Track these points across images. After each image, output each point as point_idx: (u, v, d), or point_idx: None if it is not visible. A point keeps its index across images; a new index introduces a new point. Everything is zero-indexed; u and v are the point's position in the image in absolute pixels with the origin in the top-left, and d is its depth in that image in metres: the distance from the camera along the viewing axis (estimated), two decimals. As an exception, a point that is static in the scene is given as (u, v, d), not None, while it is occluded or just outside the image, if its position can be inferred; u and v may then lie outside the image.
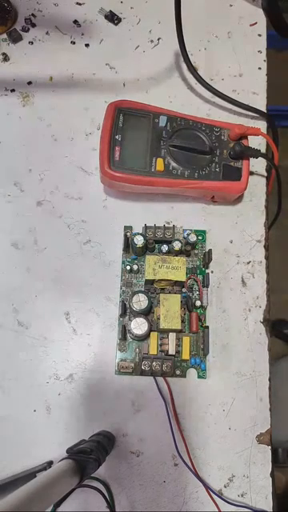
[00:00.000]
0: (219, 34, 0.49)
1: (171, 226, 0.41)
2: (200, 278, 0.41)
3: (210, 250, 0.40)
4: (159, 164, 0.40)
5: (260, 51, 0.49)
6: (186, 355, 0.39)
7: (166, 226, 0.41)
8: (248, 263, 0.42)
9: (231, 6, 0.50)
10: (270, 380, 0.39)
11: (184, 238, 0.41)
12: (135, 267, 0.40)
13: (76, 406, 0.38)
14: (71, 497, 0.36)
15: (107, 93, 0.46)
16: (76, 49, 0.48)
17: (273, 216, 0.48)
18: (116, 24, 0.49)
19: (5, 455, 0.37)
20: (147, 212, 0.43)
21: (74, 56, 0.47)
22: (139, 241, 0.39)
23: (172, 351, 0.38)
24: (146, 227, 0.41)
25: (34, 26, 0.48)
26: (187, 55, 0.44)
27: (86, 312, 0.40)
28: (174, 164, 0.40)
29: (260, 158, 0.42)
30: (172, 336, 0.38)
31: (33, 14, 0.48)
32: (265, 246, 0.43)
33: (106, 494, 0.36)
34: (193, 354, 0.39)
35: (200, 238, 0.42)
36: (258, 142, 0.44)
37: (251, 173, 0.44)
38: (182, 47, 0.43)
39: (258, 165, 0.45)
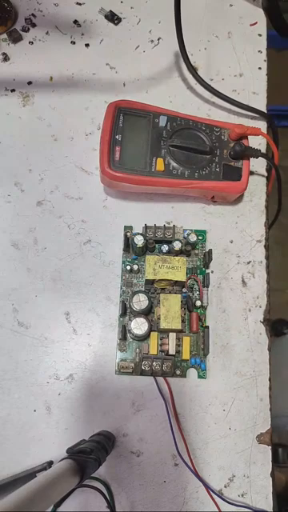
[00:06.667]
0: (219, 34, 0.49)
1: (171, 225, 0.41)
2: (200, 277, 0.41)
3: (210, 250, 0.40)
4: (159, 164, 0.40)
5: (260, 51, 0.49)
6: (186, 355, 0.39)
7: (166, 225, 0.41)
8: (248, 263, 0.42)
9: (231, 5, 0.50)
10: (270, 380, 0.39)
11: (184, 237, 0.41)
12: (135, 267, 0.40)
13: (76, 406, 0.38)
14: (71, 497, 0.36)
15: (107, 93, 0.46)
16: (76, 49, 0.48)
17: (273, 216, 0.48)
18: (116, 24, 0.49)
19: (5, 455, 0.37)
20: (147, 212, 0.43)
21: (74, 56, 0.47)
22: (139, 241, 0.39)
23: (172, 351, 0.38)
24: (146, 227, 0.41)
25: (34, 25, 0.48)
26: (187, 55, 0.44)
27: (86, 312, 0.40)
28: (174, 164, 0.40)
29: (260, 158, 0.42)
30: (172, 336, 0.38)
31: (33, 14, 0.48)
32: (265, 246, 0.43)
33: (106, 494, 0.36)
34: (193, 354, 0.39)
35: (200, 237, 0.42)
36: (257, 142, 0.44)
37: (251, 173, 0.44)
38: (181, 47, 0.43)
39: (258, 165, 0.45)
